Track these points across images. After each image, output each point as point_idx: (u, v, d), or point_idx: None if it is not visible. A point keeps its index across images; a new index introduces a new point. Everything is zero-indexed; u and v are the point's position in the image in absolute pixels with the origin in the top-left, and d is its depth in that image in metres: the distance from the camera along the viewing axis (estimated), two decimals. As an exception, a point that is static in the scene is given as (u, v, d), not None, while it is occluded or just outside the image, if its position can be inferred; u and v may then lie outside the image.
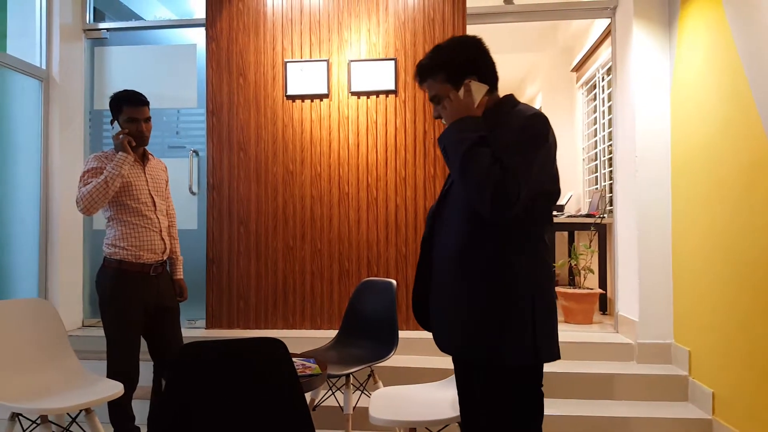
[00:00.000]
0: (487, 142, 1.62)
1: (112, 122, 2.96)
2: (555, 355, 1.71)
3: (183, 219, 4.30)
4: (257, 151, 4.18)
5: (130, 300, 2.87)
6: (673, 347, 3.64)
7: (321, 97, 4.14)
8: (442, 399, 2.43)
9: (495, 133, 1.66)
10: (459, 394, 1.96)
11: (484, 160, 1.58)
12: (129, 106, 2.90)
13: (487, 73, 1.80)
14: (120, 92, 2.95)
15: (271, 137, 4.18)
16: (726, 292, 3.00)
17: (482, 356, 1.69)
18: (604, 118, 5.53)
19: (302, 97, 4.15)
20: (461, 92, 1.74)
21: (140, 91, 2.98)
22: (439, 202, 1.91)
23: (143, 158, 3.03)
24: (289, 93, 4.15)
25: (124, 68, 4.47)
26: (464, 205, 1.72)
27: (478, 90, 1.75)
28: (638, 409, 3.29)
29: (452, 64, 1.77)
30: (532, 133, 1.63)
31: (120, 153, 2.84)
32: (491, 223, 1.64)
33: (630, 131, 3.83)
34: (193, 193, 4.33)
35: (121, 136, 2.87)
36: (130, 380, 2.87)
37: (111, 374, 2.83)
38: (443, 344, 1.83)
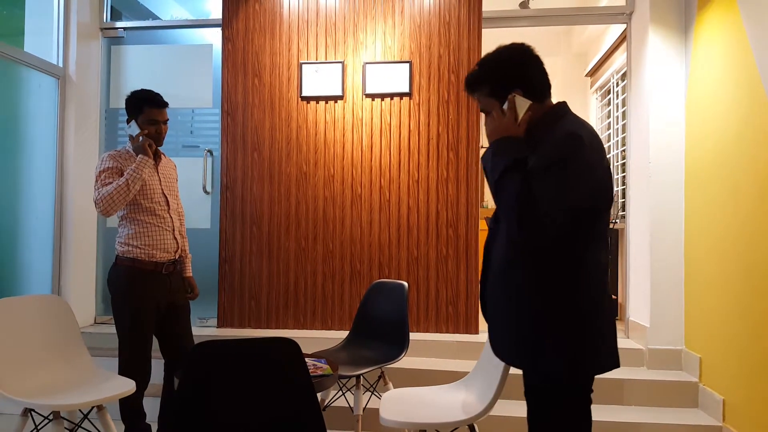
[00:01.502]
0: (522, 165, 1.56)
1: (128, 121, 2.92)
2: (602, 367, 1.66)
3: (196, 218, 4.33)
4: (271, 152, 4.20)
5: (143, 298, 2.88)
6: (683, 353, 3.61)
7: (335, 98, 4.15)
8: (453, 401, 2.43)
9: (536, 151, 1.59)
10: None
11: (513, 188, 1.53)
12: (150, 108, 2.90)
13: (535, 83, 1.71)
14: (140, 92, 2.94)
15: (285, 138, 4.19)
16: (738, 299, 2.98)
17: (523, 367, 1.72)
18: (618, 124, 5.51)
19: (317, 99, 4.17)
20: (500, 112, 1.67)
21: (156, 91, 2.98)
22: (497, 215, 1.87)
23: (156, 157, 3.04)
24: (303, 94, 4.16)
25: (140, 67, 4.50)
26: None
27: (521, 106, 1.66)
28: (648, 415, 3.27)
29: (495, 77, 1.70)
30: (560, 157, 1.54)
31: (140, 156, 2.84)
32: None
33: (644, 137, 3.82)
34: (206, 192, 4.35)
35: (141, 138, 2.87)
36: (141, 378, 2.89)
37: (123, 371, 2.84)
38: (494, 351, 1.83)
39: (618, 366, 1.69)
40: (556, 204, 1.50)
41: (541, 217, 1.50)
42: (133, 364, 2.87)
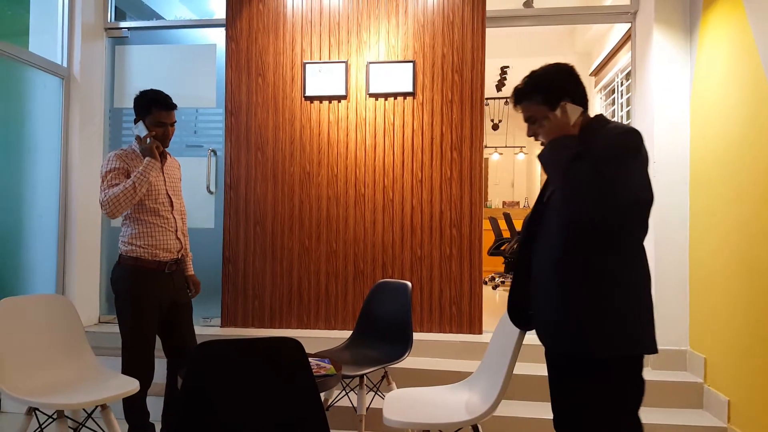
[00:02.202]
0: (583, 156, 1.74)
1: (136, 121, 2.90)
2: (654, 348, 1.84)
3: (200, 218, 4.34)
4: (275, 152, 4.20)
5: (146, 297, 2.88)
6: (688, 354, 3.60)
7: (339, 98, 4.15)
8: (456, 401, 2.43)
9: (591, 147, 1.76)
10: (557, 394, 2.07)
11: (583, 172, 1.70)
12: (159, 110, 2.88)
13: (579, 96, 1.93)
14: (149, 92, 2.92)
15: (288, 138, 4.19)
16: (743, 299, 2.97)
17: (588, 351, 1.81)
18: (622, 123, 5.50)
19: (320, 99, 4.17)
20: (558, 113, 1.88)
21: (159, 90, 2.97)
22: (536, 211, 2.06)
23: (161, 158, 3.02)
24: (307, 94, 4.17)
25: (145, 67, 4.50)
26: (563, 214, 1.85)
27: (574, 111, 1.88)
28: (653, 415, 3.26)
29: (549, 87, 1.92)
30: (627, 145, 1.75)
31: (147, 158, 2.83)
32: (591, 231, 1.78)
33: (648, 137, 3.80)
34: (210, 192, 4.36)
35: (148, 140, 2.85)
36: (145, 377, 2.89)
37: (126, 370, 2.85)
38: (550, 344, 1.96)
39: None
40: (628, 187, 1.69)
41: (614, 198, 1.67)
42: (136, 363, 2.87)
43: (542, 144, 1.97)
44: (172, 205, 3.02)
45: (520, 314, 2.14)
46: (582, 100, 1.93)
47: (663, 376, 3.49)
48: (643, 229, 1.85)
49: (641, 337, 1.81)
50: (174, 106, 2.95)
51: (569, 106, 1.88)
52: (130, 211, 2.89)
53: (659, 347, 3.40)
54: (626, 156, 1.73)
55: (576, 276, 1.83)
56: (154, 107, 2.89)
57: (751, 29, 2.96)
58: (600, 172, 1.68)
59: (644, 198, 1.77)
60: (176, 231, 3.02)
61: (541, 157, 1.89)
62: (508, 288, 6.82)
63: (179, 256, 3.06)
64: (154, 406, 3.11)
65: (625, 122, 5.27)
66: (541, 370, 3.49)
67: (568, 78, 1.95)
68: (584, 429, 1.90)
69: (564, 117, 1.87)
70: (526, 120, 1.99)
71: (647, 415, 3.26)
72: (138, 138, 2.89)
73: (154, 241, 2.90)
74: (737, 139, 3.06)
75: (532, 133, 2.00)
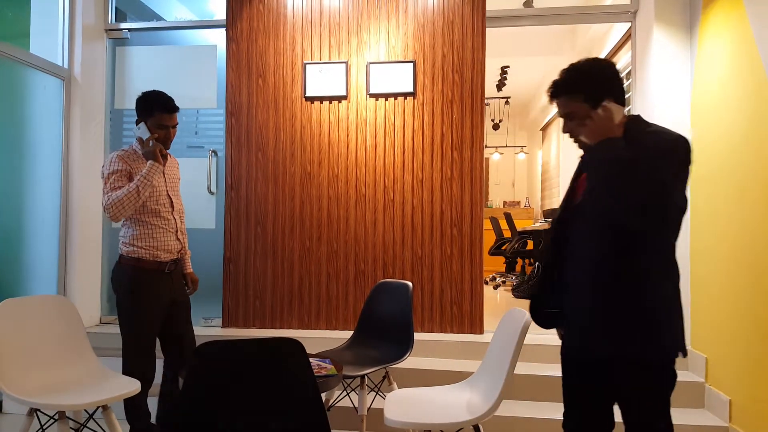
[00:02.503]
0: (635, 160, 1.71)
1: (138, 122, 2.90)
2: (686, 351, 1.86)
3: (201, 218, 4.34)
4: (275, 152, 4.20)
5: (147, 297, 2.90)
6: (690, 353, 3.60)
7: (339, 98, 4.15)
8: (457, 401, 2.43)
9: (640, 152, 1.74)
10: (579, 396, 2.06)
11: (636, 176, 1.68)
12: (161, 112, 2.89)
13: (621, 95, 1.88)
14: (152, 94, 2.92)
15: (289, 138, 4.20)
16: (744, 299, 2.97)
17: (651, 355, 1.81)
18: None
19: (321, 99, 4.17)
20: (600, 113, 1.82)
21: (162, 91, 2.97)
22: (565, 214, 2.05)
23: (162, 159, 3.03)
24: (307, 94, 4.17)
25: (145, 68, 4.51)
26: (606, 216, 1.82)
27: (618, 112, 1.82)
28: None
29: (591, 85, 1.87)
30: (680, 155, 1.75)
31: (150, 162, 2.83)
32: (636, 233, 1.78)
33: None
34: (211, 192, 4.36)
35: (151, 143, 2.86)
36: (146, 377, 2.90)
37: (127, 371, 2.85)
38: (593, 346, 1.91)
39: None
40: (678, 196, 1.73)
41: (664, 206, 1.70)
42: (138, 364, 2.88)
43: (576, 141, 1.96)
44: (172, 206, 3.03)
45: (543, 314, 2.14)
46: (622, 99, 1.90)
47: (664, 376, 3.48)
48: (676, 234, 1.87)
49: (682, 339, 1.85)
50: (176, 109, 2.95)
51: (613, 105, 1.83)
52: (129, 214, 2.88)
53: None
54: (679, 164, 1.75)
55: (623, 278, 1.83)
56: (156, 109, 2.89)
57: (751, 27, 2.96)
58: (654, 180, 1.68)
59: (685, 206, 1.80)
60: (176, 231, 3.03)
61: (588, 158, 1.85)
62: (510, 288, 6.80)
63: (179, 256, 3.08)
64: (155, 408, 3.11)
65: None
66: (542, 369, 3.50)
67: (612, 75, 1.89)
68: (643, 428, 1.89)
69: (608, 117, 1.81)
70: (564, 116, 1.94)
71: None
72: (140, 140, 2.89)
73: (155, 242, 2.91)
74: (738, 138, 3.06)
75: (568, 129, 1.95)
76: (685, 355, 1.84)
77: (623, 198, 1.71)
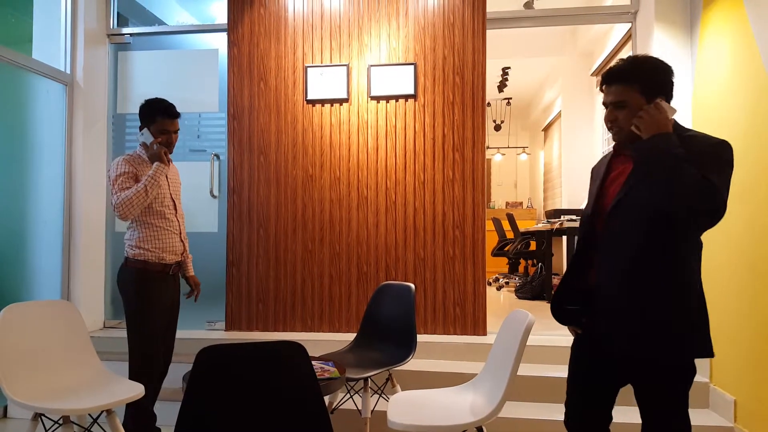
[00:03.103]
0: (688, 158, 1.75)
1: (141, 128, 3.03)
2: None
3: (203, 222, 4.35)
4: (277, 155, 4.21)
5: (154, 299, 2.97)
6: (694, 354, 3.59)
7: (341, 101, 4.16)
8: (461, 403, 2.43)
9: (690, 152, 1.79)
10: (588, 390, 2.11)
11: (694, 174, 1.72)
12: (163, 118, 3.01)
13: (671, 98, 1.94)
14: (154, 101, 3.03)
15: (291, 141, 4.20)
16: (748, 298, 2.96)
17: (684, 356, 1.86)
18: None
19: (322, 102, 4.18)
20: (654, 108, 1.85)
21: (163, 96, 3.06)
22: (597, 211, 2.06)
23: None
24: (309, 97, 4.18)
25: (147, 73, 4.52)
26: (650, 209, 1.86)
27: (670, 110, 1.86)
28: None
29: (651, 79, 1.90)
30: (728, 158, 1.83)
31: (156, 163, 2.94)
32: (680, 231, 1.86)
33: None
34: (213, 196, 4.37)
35: (155, 146, 2.97)
36: (154, 380, 2.96)
37: (135, 373, 2.90)
38: (629, 348, 1.92)
39: None
40: (723, 196, 1.75)
41: (713, 205, 1.74)
42: (145, 366, 2.94)
43: (616, 131, 1.98)
44: (175, 208, 3.13)
45: (563, 311, 2.16)
46: (671, 100, 1.94)
47: (668, 376, 3.48)
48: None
49: (710, 338, 1.90)
50: (177, 115, 3.07)
51: (665, 104, 1.87)
52: (137, 214, 2.96)
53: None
54: (727, 168, 1.82)
55: (675, 281, 1.87)
56: (159, 115, 3.01)
57: (751, 26, 2.96)
58: (708, 179, 1.72)
59: (725, 209, 1.81)
60: (180, 233, 3.13)
61: (642, 148, 1.86)
62: (513, 289, 6.79)
63: (182, 258, 3.16)
64: (159, 410, 3.12)
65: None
66: (546, 371, 3.50)
67: (670, 76, 1.93)
68: (666, 424, 1.94)
69: (663, 113, 1.84)
70: (612, 104, 1.96)
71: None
72: (144, 145, 3.02)
73: (161, 243, 3.00)
74: (740, 137, 3.06)
75: (614, 118, 1.96)
76: (712, 355, 1.88)
77: (679, 195, 1.75)
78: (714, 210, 1.75)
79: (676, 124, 1.91)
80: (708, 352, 1.87)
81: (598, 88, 2.05)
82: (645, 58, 1.95)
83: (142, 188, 2.85)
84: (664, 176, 1.76)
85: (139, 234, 2.97)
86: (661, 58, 1.96)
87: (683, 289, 1.86)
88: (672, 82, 1.94)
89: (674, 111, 1.88)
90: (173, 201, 3.11)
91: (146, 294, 2.94)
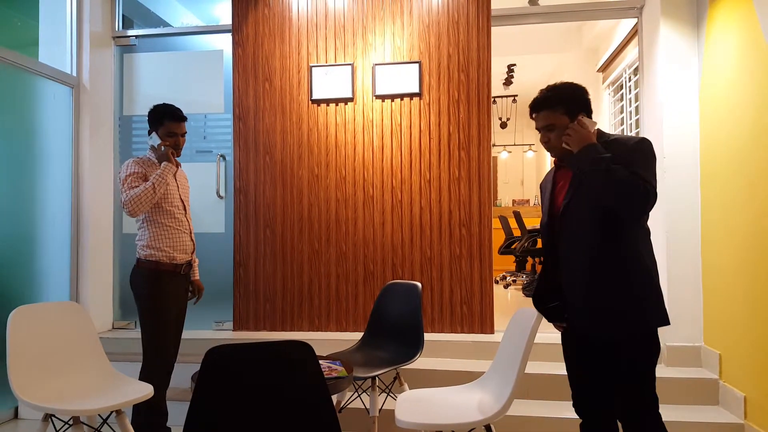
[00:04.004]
0: (614, 158, 2.04)
1: (150, 132, 3.11)
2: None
3: (210, 222, 4.37)
4: (283, 155, 4.22)
5: (167, 299, 3.02)
6: (703, 350, 3.58)
7: (346, 100, 4.16)
8: (469, 402, 2.43)
9: (612, 151, 2.09)
10: (587, 374, 2.32)
11: (624, 173, 2.01)
12: (170, 121, 3.09)
13: (590, 112, 2.25)
14: (161, 106, 3.11)
15: (296, 141, 4.21)
16: (757, 293, 2.95)
17: (639, 328, 2.13)
18: (631, 119, 5.47)
19: (327, 101, 4.18)
20: (577, 125, 2.16)
21: (168, 97, 3.10)
22: (552, 218, 2.33)
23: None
24: (314, 97, 4.18)
25: (153, 74, 4.53)
26: (595, 209, 2.13)
27: (591, 124, 2.18)
28: (668, 412, 3.22)
29: (572, 101, 2.22)
30: (650, 152, 2.12)
31: (164, 163, 3.02)
32: (626, 222, 2.11)
33: (658, 132, 3.78)
34: (220, 196, 4.38)
35: (163, 148, 3.05)
36: (166, 379, 3.02)
37: (147, 373, 2.94)
38: (595, 329, 2.19)
39: None
40: (654, 187, 2.04)
41: (647, 195, 2.02)
42: (159, 365, 2.99)
43: (552, 150, 2.28)
44: (185, 209, 3.18)
45: (545, 310, 2.35)
46: (590, 114, 2.24)
47: (678, 373, 3.46)
48: (647, 220, 2.20)
49: (664, 310, 2.15)
50: (184, 118, 3.15)
51: (586, 119, 2.18)
52: (148, 214, 3.04)
53: (674, 344, 3.49)
54: (650, 160, 2.10)
55: (617, 264, 2.12)
56: (166, 119, 3.09)
57: (758, 20, 2.94)
58: (637, 174, 2.01)
59: (656, 195, 2.07)
60: (190, 233, 3.19)
61: (577, 159, 2.13)
62: (520, 287, 6.82)
63: (192, 257, 3.22)
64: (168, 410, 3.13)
65: (633, 118, 5.25)
66: (554, 368, 3.49)
67: (585, 94, 2.25)
68: (631, 395, 2.16)
69: (585, 128, 2.14)
70: (544, 128, 2.25)
71: (663, 412, 3.23)
72: (152, 147, 3.10)
73: (172, 242, 3.05)
74: (748, 132, 3.04)
75: (547, 139, 2.26)
76: (667, 323, 2.13)
77: (613, 193, 2.04)
78: (644, 202, 2.03)
79: (599, 132, 2.21)
80: (662, 321, 2.13)
81: (529, 116, 2.35)
82: (562, 85, 2.26)
83: (150, 186, 2.92)
84: (599, 179, 2.05)
85: (149, 234, 3.02)
86: (574, 83, 2.27)
87: (634, 271, 2.11)
88: (588, 100, 2.25)
89: (594, 123, 2.19)
90: (182, 202, 3.16)
91: (159, 293, 2.99)
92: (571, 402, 2.41)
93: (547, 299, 2.35)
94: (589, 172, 2.09)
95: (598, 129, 2.22)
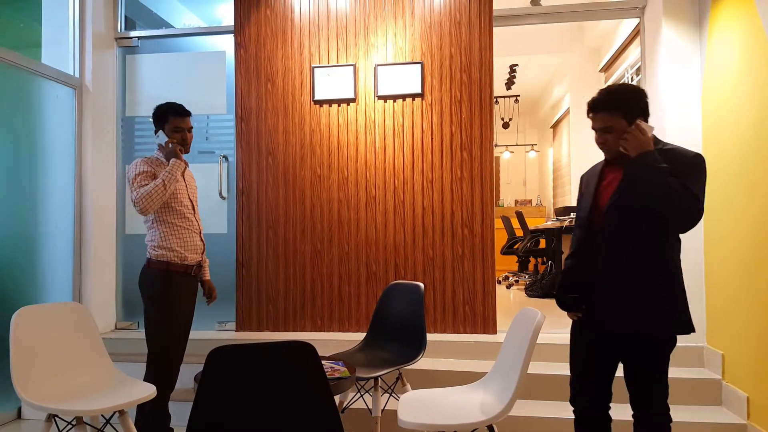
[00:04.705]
0: (672, 172, 2.09)
1: (156, 132, 3.10)
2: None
3: (213, 223, 4.37)
4: (285, 156, 4.22)
5: (177, 300, 3.02)
6: (705, 350, 3.57)
7: (348, 101, 4.16)
8: (471, 402, 2.43)
9: (668, 162, 2.14)
10: (589, 368, 2.43)
11: (678, 187, 2.06)
12: (175, 117, 3.08)
13: (647, 117, 2.27)
14: (164, 104, 3.11)
15: (298, 142, 4.21)
16: (759, 294, 2.94)
17: (664, 332, 2.22)
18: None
19: (329, 102, 4.18)
20: (636, 129, 2.17)
21: (171, 98, 3.11)
22: (597, 208, 2.36)
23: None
24: (316, 98, 4.18)
25: (155, 75, 4.54)
26: (642, 215, 2.19)
27: (649, 129, 2.19)
28: (671, 413, 3.23)
29: (631, 105, 2.24)
30: (703, 169, 2.16)
31: (173, 160, 3.00)
32: (668, 231, 2.19)
33: (660, 132, 3.78)
34: (222, 197, 4.39)
35: (170, 145, 3.04)
36: (173, 381, 3.01)
37: (155, 374, 2.93)
38: (625, 328, 2.25)
39: None
40: (702, 203, 2.12)
41: (694, 211, 2.09)
42: (167, 367, 2.98)
43: (607, 151, 2.32)
44: (194, 209, 3.18)
45: (566, 299, 2.45)
46: (647, 120, 2.27)
47: (681, 373, 3.46)
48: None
49: (690, 319, 2.25)
50: (188, 113, 3.14)
51: (645, 124, 2.19)
52: (157, 214, 3.03)
53: (677, 344, 3.49)
54: (704, 179, 2.15)
55: (653, 269, 2.20)
56: (170, 115, 3.08)
57: (761, 20, 2.93)
58: (689, 189, 2.07)
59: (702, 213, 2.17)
60: (200, 232, 3.19)
61: (635, 165, 2.17)
62: (522, 287, 6.81)
63: (202, 257, 3.22)
64: (171, 411, 3.13)
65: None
66: (556, 369, 3.49)
67: (645, 101, 2.27)
68: (650, 390, 2.27)
69: (644, 133, 2.16)
70: (601, 129, 2.29)
71: (664, 412, 3.24)
72: (160, 146, 3.09)
73: (183, 242, 3.05)
74: (750, 132, 3.04)
75: (604, 140, 2.30)
76: (693, 330, 2.23)
77: (666, 203, 2.10)
78: (693, 217, 2.10)
79: (655, 139, 2.22)
80: (687, 329, 2.22)
81: (586, 115, 2.39)
82: (623, 88, 2.30)
83: (160, 183, 2.91)
84: (652, 188, 2.11)
85: (159, 234, 3.01)
86: (636, 85, 2.32)
87: (667, 278, 2.20)
88: (647, 104, 2.27)
89: (652, 129, 2.20)
90: (191, 202, 3.16)
91: (168, 294, 2.98)
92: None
93: (569, 289, 2.44)
94: (643, 180, 2.15)
95: (654, 135, 2.24)
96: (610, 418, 2.45)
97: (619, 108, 2.24)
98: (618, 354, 2.35)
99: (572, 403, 2.48)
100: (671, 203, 2.09)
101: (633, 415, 2.35)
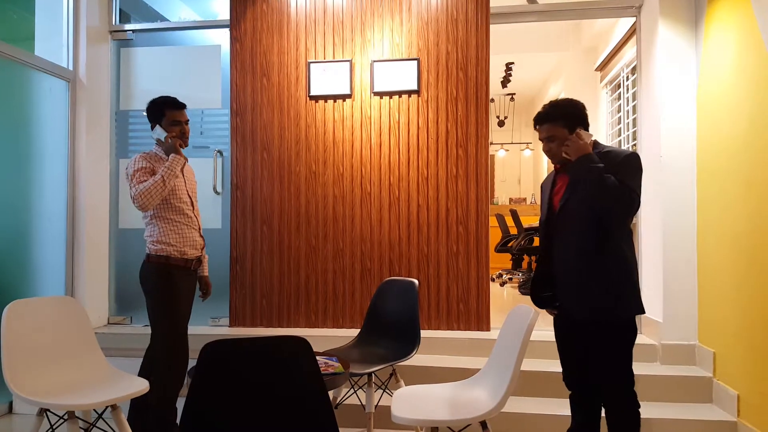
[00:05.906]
0: (607, 169, 2.34)
1: (153, 127, 3.07)
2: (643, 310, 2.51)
3: (207, 218, 4.35)
4: (280, 151, 4.21)
5: (179, 294, 3.00)
6: (697, 348, 3.59)
7: (344, 97, 4.16)
8: (465, 398, 2.43)
9: (605, 162, 2.39)
10: (570, 354, 2.66)
11: (614, 182, 2.30)
12: (171, 110, 3.05)
13: (587, 125, 2.55)
14: (159, 98, 3.08)
15: (294, 137, 4.20)
16: (751, 293, 2.95)
17: (616, 314, 2.41)
18: (628, 118, 5.48)
19: (325, 98, 4.17)
20: (576, 137, 2.44)
21: (165, 92, 3.10)
22: (550, 217, 2.63)
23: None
24: (312, 93, 4.17)
25: (150, 69, 4.52)
26: (589, 211, 2.42)
27: (587, 136, 2.47)
28: (662, 410, 3.25)
29: (571, 116, 2.52)
30: (637, 165, 2.41)
31: (172, 155, 2.98)
32: (612, 223, 2.40)
33: (655, 131, 3.79)
34: (217, 192, 4.37)
35: (170, 139, 3.01)
36: (184, 374, 3.00)
37: (164, 369, 2.93)
38: (588, 314, 2.46)
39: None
40: (639, 196, 2.37)
41: (632, 202, 2.35)
42: (177, 360, 2.97)
43: (554, 158, 2.58)
44: (193, 205, 3.16)
45: (540, 297, 2.69)
46: (587, 127, 2.54)
47: (672, 371, 3.48)
48: (630, 222, 2.53)
49: (641, 301, 2.47)
50: (183, 105, 3.11)
51: (584, 132, 2.47)
52: (156, 210, 3.01)
53: (668, 342, 3.53)
54: (639, 174, 2.41)
55: (601, 258, 2.41)
56: (167, 108, 3.05)
57: (757, 21, 2.94)
58: (626, 184, 2.31)
59: (639, 203, 2.42)
60: (199, 228, 3.18)
61: (575, 168, 2.43)
62: (516, 285, 6.86)
63: (202, 253, 3.21)
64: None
65: (631, 117, 5.26)
66: (549, 366, 3.50)
67: (583, 110, 2.54)
68: (612, 374, 2.44)
69: (582, 140, 2.42)
70: (546, 139, 2.56)
71: (656, 409, 3.26)
72: (159, 141, 3.06)
73: (182, 238, 3.04)
74: (744, 132, 3.05)
75: (549, 149, 2.57)
76: (643, 312, 2.46)
77: (603, 197, 2.33)
78: (629, 208, 2.36)
79: (595, 143, 2.50)
80: (635, 311, 2.43)
81: (533, 128, 2.66)
82: (563, 102, 2.56)
83: (159, 179, 2.88)
84: (593, 185, 2.35)
85: (159, 229, 3.00)
86: (575, 100, 2.56)
87: (614, 264, 2.41)
88: (586, 115, 2.55)
89: (591, 136, 2.48)
90: (190, 198, 3.14)
91: (170, 288, 2.97)
92: (567, 398, 2.72)
93: (541, 288, 2.68)
94: (584, 179, 2.39)
95: (594, 140, 2.51)
96: (602, 398, 2.57)
97: (561, 119, 2.52)
98: (583, 340, 2.55)
99: (565, 384, 2.71)
100: (608, 196, 2.32)
101: (603, 404, 2.52)
